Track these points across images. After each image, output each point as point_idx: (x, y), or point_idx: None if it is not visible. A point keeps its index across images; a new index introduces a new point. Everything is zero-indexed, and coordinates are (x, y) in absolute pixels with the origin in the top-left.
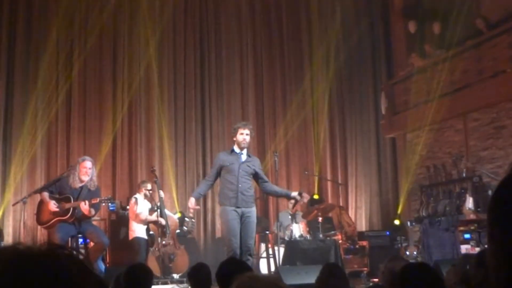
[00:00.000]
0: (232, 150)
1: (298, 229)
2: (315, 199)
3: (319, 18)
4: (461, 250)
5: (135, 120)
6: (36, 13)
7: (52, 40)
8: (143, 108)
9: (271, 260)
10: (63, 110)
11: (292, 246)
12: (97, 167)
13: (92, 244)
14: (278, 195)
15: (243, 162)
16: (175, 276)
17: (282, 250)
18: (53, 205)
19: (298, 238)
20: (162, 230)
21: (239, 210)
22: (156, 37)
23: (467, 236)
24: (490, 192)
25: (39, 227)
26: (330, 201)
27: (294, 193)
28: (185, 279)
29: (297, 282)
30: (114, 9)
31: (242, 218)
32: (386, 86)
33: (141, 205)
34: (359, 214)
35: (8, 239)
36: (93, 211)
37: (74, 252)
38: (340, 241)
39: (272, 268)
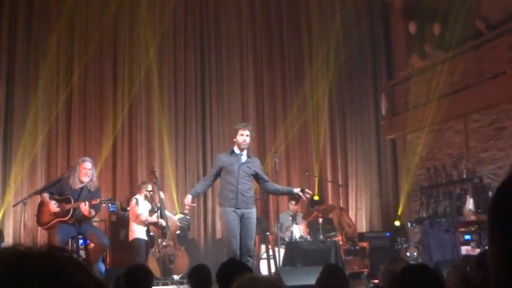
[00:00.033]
0: (232, 151)
1: (298, 230)
2: (315, 200)
3: (319, 18)
4: (461, 251)
5: (136, 121)
6: (36, 14)
7: (53, 41)
8: (143, 109)
9: (272, 261)
10: (63, 112)
11: (292, 247)
12: (97, 168)
13: (92, 245)
14: (280, 193)
15: (243, 163)
16: (175, 277)
17: (282, 251)
18: (53, 205)
19: (298, 239)
20: (162, 231)
21: (239, 211)
22: (156, 38)
23: (467, 237)
24: (490, 193)
25: (39, 228)
26: (330, 202)
27: (297, 190)
28: (185, 280)
29: (297, 283)
30: (114, 10)
31: (242, 219)
32: (386, 87)
33: (141, 206)
34: (360, 215)
35: (9, 240)
36: (93, 212)
37: (74, 254)
38: (340, 242)
39: (273, 269)
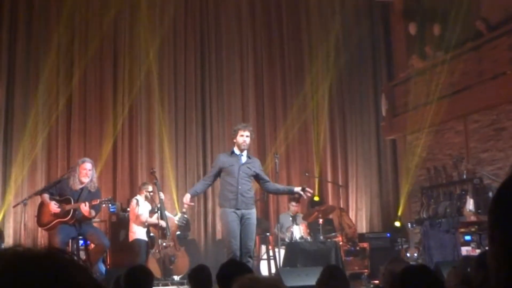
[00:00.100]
0: (232, 152)
1: (298, 231)
2: (315, 201)
3: (319, 18)
4: (461, 252)
5: (136, 121)
6: (36, 14)
7: (53, 42)
8: (143, 109)
9: (272, 261)
10: (64, 112)
11: (292, 247)
12: (97, 169)
13: (92, 246)
14: (281, 193)
15: (243, 164)
16: (176, 277)
17: (282, 251)
18: (54, 206)
19: (298, 240)
20: (163, 232)
21: (239, 212)
22: (156, 38)
23: (467, 238)
24: (490, 194)
25: (39, 228)
26: (330, 202)
27: (297, 188)
28: (185, 280)
29: (297, 284)
30: (114, 11)
31: (242, 220)
32: (387, 88)
33: (142, 207)
34: (360, 215)
35: (9, 241)
36: (93, 213)
37: (74, 255)
38: (340, 243)
39: (273, 270)
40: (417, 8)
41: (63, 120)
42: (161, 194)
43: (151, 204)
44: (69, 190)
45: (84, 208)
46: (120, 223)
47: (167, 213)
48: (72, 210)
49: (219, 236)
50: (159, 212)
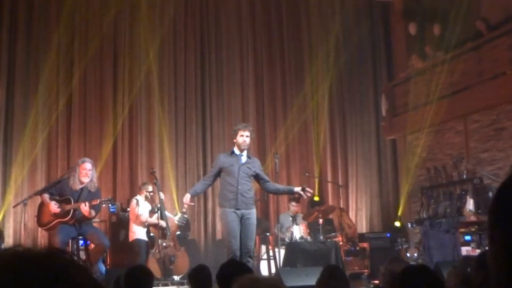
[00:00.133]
0: (232, 152)
1: (298, 231)
2: (315, 201)
3: (319, 18)
4: (461, 252)
5: (136, 121)
6: (36, 14)
7: (53, 42)
8: (143, 109)
9: (272, 261)
10: (64, 112)
11: (292, 247)
12: (97, 169)
13: (92, 246)
14: (281, 193)
15: (243, 164)
16: (176, 277)
17: (282, 251)
18: (54, 206)
19: (298, 240)
20: (163, 232)
21: (239, 212)
22: (156, 38)
23: (467, 238)
24: (490, 194)
25: (39, 228)
26: (330, 202)
27: (297, 188)
28: (185, 280)
29: (297, 284)
30: (114, 11)
31: (242, 220)
32: (387, 88)
33: (142, 207)
34: (360, 215)
35: (9, 241)
36: (93, 213)
37: (74, 255)
38: (340, 243)
39: (273, 270)
40: (417, 8)
41: (63, 120)
42: (161, 194)
43: (151, 204)
44: (69, 190)
45: (84, 208)
46: (120, 223)
47: (167, 213)
48: (72, 210)
49: (219, 236)
50: (159, 212)
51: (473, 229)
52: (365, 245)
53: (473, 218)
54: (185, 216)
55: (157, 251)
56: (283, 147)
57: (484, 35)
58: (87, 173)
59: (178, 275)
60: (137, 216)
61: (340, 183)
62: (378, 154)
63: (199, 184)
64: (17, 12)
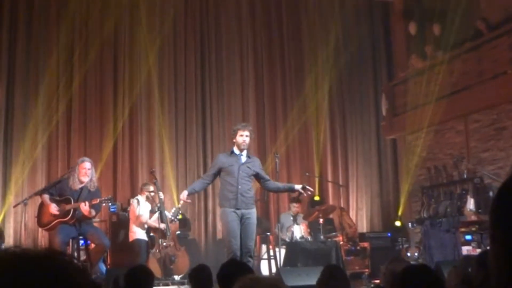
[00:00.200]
0: (232, 152)
1: (299, 231)
2: (316, 201)
3: (319, 18)
4: (462, 252)
5: (136, 121)
6: (36, 14)
7: (53, 42)
8: (143, 109)
9: (272, 261)
10: (64, 112)
11: (293, 247)
12: (98, 169)
13: (93, 245)
14: (282, 191)
15: (243, 164)
16: (176, 277)
17: (283, 251)
18: (54, 208)
19: (299, 240)
20: (163, 232)
21: (239, 211)
22: (157, 39)
23: (468, 237)
24: (491, 194)
25: (39, 229)
26: (331, 202)
27: (298, 186)
28: (186, 280)
29: (298, 284)
30: (114, 11)
31: (242, 219)
32: (387, 88)
33: (142, 207)
34: (360, 215)
35: (9, 241)
36: (93, 212)
37: (74, 255)
38: (341, 243)
39: (273, 270)
40: (417, 8)
41: (64, 120)
42: (161, 194)
43: (152, 204)
44: (69, 190)
45: (84, 207)
46: (120, 223)
47: (166, 213)
48: (72, 210)
49: (219, 236)
50: (159, 212)
51: (473, 229)
52: (366, 244)
53: (473, 218)
54: (180, 211)
55: (157, 251)
56: (283, 147)
57: (484, 35)
58: (86, 172)
59: (178, 274)
60: (137, 217)
61: (340, 182)
62: (379, 153)
63: (198, 183)
64: (17, 12)
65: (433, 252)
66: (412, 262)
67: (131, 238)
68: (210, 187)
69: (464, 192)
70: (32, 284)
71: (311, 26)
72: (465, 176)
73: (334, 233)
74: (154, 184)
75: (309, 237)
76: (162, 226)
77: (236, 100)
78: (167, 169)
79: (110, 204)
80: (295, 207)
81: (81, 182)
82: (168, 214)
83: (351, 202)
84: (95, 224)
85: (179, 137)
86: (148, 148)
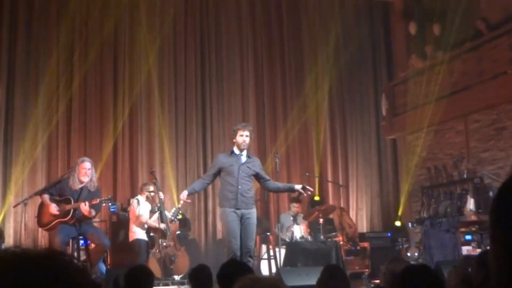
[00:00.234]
0: (232, 152)
1: (299, 231)
2: (316, 201)
3: (319, 18)
4: (462, 252)
5: (136, 121)
6: (37, 14)
7: (53, 42)
8: (143, 109)
9: (272, 261)
10: (64, 112)
11: (293, 247)
12: (98, 169)
13: (93, 245)
14: (282, 191)
15: (242, 164)
16: (176, 277)
17: (283, 251)
18: (54, 208)
19: (299, 240)
20: (163, 231)
21: (239, 211)
22: (157, 39)
23: (468, 237)
24: (491, 194)
25: (40, 229)
26: (331, 202)
27: (298, 186)
28: (186, 280)
29: (298, 284)
30: (114, 11)
31: (242, 219)
32: (387, 88)
33: (142, 207)
34: (360, 215)
35: (9, 241)
36: (93, 212)
37: (74, 255)
38: (341, 243)
39: (273, 270)
40: (417, 8)
41: (64, 120)
42: (161, 194)
43: (151, 204)
44: (69, 190)
45: (84, 207)
46: (120, 223)
47: (166, 213)
48: (72, 210)
49: (219, 235)
50: (159, 212)
51: (473, 229)
52: (366, 244)
53: (473, 218)
54: (180, 211)
55: (157, 250)
56: (283, 147)
57: (484, 35)
58: (86, 172)
59: (178, 274)
60: (137, 217)
61: (340, 182)
62: (379, 153)
63: (198, 183)
64: (17, 12)
65: (433, 252)
66: (412, 262)
67: (131, 238)
68: (210, 187)
69: (464, 192)
70: (32, 284)
71: (311, 26)
72: (465, 176)
73: (334, 233)
74: (154, 184)
75: (309, 237)
76: (162, 226)
77: (236, 100)
78: (167, 169)
79: (110, 204)
80: (295, 207)
81: (81, 182)
82: (168, 214)
83: (351, 202)
84: (95, 224)
85: (179, 137)
86: (148, 148)
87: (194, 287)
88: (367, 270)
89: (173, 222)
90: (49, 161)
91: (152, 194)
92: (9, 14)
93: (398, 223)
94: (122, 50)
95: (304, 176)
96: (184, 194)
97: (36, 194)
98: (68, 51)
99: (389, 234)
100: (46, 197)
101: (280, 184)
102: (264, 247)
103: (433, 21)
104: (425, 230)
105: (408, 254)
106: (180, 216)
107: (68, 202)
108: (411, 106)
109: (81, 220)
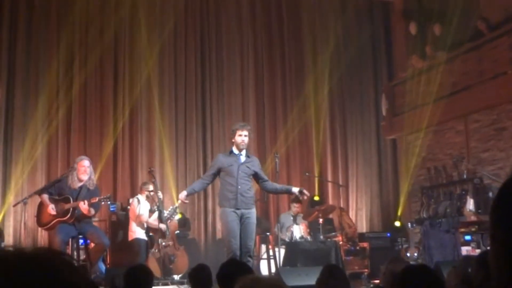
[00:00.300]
0: (231, 152)
1: (298, 230)
2: (315, 201)
3: (319, 19)
4: (462, 252)
5: (136, 121)
6: (37, 14)
7: (54, 42)
8: (144, 109)
9: (272, 261)
10: (64, 112)
11: (292, 247)
12: (98, 169)
13: (92, 245)
14: (279, 192)
15: (242, 164)
16: (176, 277)
17: (282, 251)
18: (51, 209)
19: (298, 240)
20: (162, 231)
21: (238, 211)
22: (157, 38)
23: (467, 237)
24: (491, 194)
25: (39, 228)
26: (330, 202)
27: (295, 189)
28: (185, 280)
29: (297, 284)
30: (114, 11)
31: (242, 219)
32: (387, 88)
33: (142, 206)
34: (360, 215)
35: (9, 240)
36: (92, 211)
37: (74, 255)
38: (340, 243)
39: (273, 270)
40: (417, 8)
41: (64, 120)
42: (160, 193)
43: (151, 204)
44: (68, 189)
45: (83, 206)
46: (120, 223)
47: (166, 213)
48: (71, 209)
49: (219, 235)
50: (158, 211)
51: (473, 229)
52: (365, 244)
53: (473, 218)
54: (176, 210)
55: (156, 250)
56: (283, 147)
57: (485, 35)
58: (85, 170)
59: (177, 274)
60: (138, 216)
61: (340, 182)
62: (379, 153)
63: (197, 183)
64: (17, 12)
65: (432, 253)
66: (411, 262)
67: (130, 238)
68: (209, 186)
69: (463, 192)
70: (31, 285)
71: (312, 26)
72: (464, 176)
73: (333, 233)
74: (153, 183)
75: (308, 237)
76: (162, 226)
77: (236, 100)
78: (167, 169)
79: (109, 203)
80: (295, 207)
81: (80, 181)
82: (166, 213)
83: (350, 202)
84: (95, 224)
85: (179, 137)
86: (148, 148)
87: (194, 286)
88: (366, 270)
89: (170, 220)
90: (49, 160)
91: (152, 193)
92: (9, 14)
93: (397, 223)
94: (122, 50)
95: (304, 176)
96: (183, 194)
97: (35, 193)
98: (68, 51)
99: (388, 234)
100: (45, 197)
101: (277, 186)
102: (263, 247)
103: (433, 21)
104: (424, 231)
105: (408, 254)
106: (179, 215)
107: (67, 201)
108: (411, 106)
109: (81, 219)
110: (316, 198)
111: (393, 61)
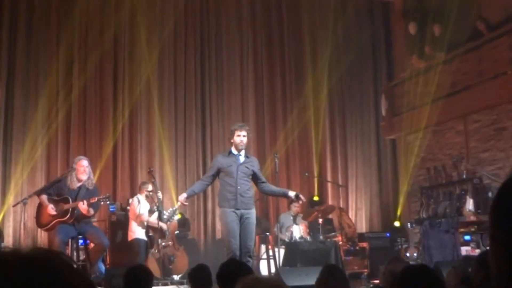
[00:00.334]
0: (230, 152)
1: (298, 231)
2: (315, 201)
3: (319, 19)
4: (461, 252)
5: (136, 121)
6: (37, 14)
7: (54, 42)
8: (143, 109)
9: (271, 261)
10: (64, 112)
11: (292, 247)
12: (97, 169)
13: (92, 245)
14: (276, 195)
15: (241, 164)
16: (175, 277)
17: (282, 251)
18: (51, 210)
19: (298, 240)
20: (162, 231)
21: (238, 212)
22: (157, 38)
23: (467, 237)
24: (490, 194)
25: (39, 229)
26: (330, 202)
27: (292, 193)
28: (185, 280)
29: (297, 284)
30: (114, 11)
31: (242, 219)
32: (386, 88)
33: (142, 206)
34: (359, 215)
35: (9, 240)
36: (91, 211)
37: (74, 255)
38: (340, 243)
39: (273, 270)
40: (417, 8)
41: (64, 120)
42: (159, 193)
43: (151, 204)
44: (67, 190)
45: (82, 206)
46: (119, 223)
47: (166, 213)
48: (70, 209)
49: (219, 235)
50: (158, 211)
51: (472, 229)
52: (365, 244)
53: (472, 218)
54: (176, 212)
55: (156, 250)
56: (283, 147)
57: (484, 35)
58: (84, 169)
59: (177, 274)
60: (138, 216)
61: (340, 182)
62: (378, 154)
63: (197, 184)
64: (17, 12)
65: (432, 253)
66: (411, 262)
67: (130, 238)
68: (209, 187)
69: (463, 192)
70: (31, 285)
71: (312, 26)
72: (464, 176)
73: (333, 233)
74: (152, 183)
75: (308, 237)
76: (163, 226)
77: (236, 100)
78: (167, 169)
79: (108, 203)
80: (295, 207)
81: (80, 180)
82: (165, 213)
83: (350, 202)
84: (94, 224)
85: (178, 137)
86: (148, 148)
87: (194, 287)
88: (366, 270)
89: (169, 221)
90: (49, 161)
91: (151, 193)
92: (9, 14)
93: (397, 223)
94: (122, 50)
95: (303, 176)
96: (183, 196)
97: (35, 193)
98: (68, 51)
99: (388, 234)
100: (44, 197)
101: (275, 188)
102: (263, 247)
103: (433, 21)
104: (424, 231)
105: (407, 254)
106: (179, 216)
107: (66, 201)
108: (410, 106)
109: (80, 219)
110: (316, 198)
111: (392, 61)
